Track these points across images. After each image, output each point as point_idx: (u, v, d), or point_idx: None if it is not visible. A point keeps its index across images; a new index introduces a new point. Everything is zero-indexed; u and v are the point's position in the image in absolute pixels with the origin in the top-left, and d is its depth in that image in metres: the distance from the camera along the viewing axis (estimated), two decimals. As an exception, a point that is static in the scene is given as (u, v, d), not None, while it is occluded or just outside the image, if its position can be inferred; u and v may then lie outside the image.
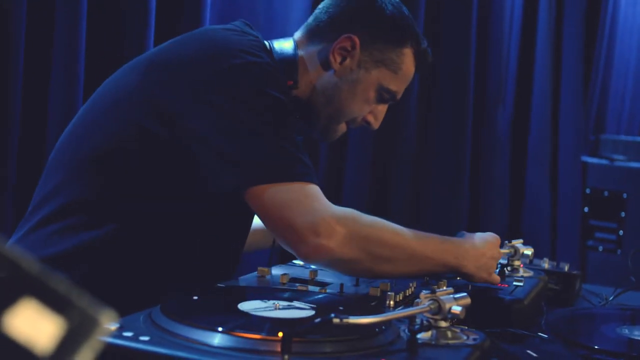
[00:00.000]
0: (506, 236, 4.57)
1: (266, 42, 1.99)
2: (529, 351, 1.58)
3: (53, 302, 0.62)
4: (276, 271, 1.92)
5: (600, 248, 4.93)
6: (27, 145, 2.41)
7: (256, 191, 1.73)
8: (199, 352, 1.25)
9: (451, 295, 1.45)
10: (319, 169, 3.53)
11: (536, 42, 4.87)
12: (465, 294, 1.47)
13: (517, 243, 2.17)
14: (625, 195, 4.83)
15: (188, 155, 1.78)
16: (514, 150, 4.88)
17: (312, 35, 2.06)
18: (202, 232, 1.92)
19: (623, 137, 5.47)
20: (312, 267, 2.01)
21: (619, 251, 4.82)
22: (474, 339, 1.44)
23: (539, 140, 4.94)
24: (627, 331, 1.86)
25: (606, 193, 4.94)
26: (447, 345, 1.40)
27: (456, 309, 1.42)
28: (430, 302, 1.43)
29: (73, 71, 2.40)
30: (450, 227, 4.22)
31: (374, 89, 2.03)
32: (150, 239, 1.86)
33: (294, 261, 2.08)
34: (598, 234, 4.98)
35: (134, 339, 1.29)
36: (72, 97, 2.40)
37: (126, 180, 1.83)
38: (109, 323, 0.63)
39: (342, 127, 2.10)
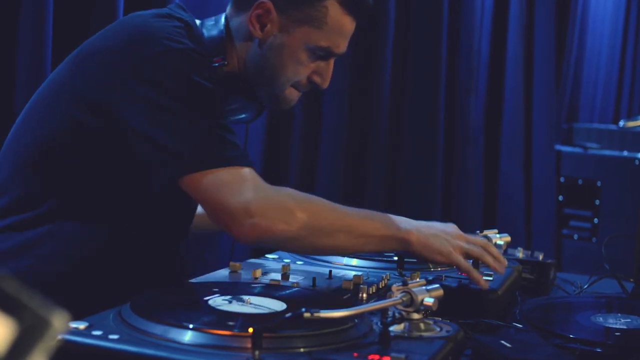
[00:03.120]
0: (480, 226, 4.60)
1: (198, 22, 1.97)
2: (502, 341, 1.57)
3: (3, 303, 0.60)
4: (248, 266, 1.90)
5: (576, 236, 4.95)
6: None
7: (191, 179, 1.73)
8: (168, 350, 1.24)
9: (423, 287, 1.44)
10: (291, 163, 3.51)
11: (508, 30, 4.87)
12: (437, 285, 1.46)
13: (490, 233, 2.15)
14: (599, 183, 4.84)
15: (124, 146, 1.78)
16: (487, 139, 4.88)
17: (236, 7, 2.02)
18: (145, 217, 1.91)
19: (596, 125, 5.49)
20: (285, 261, 2.00)
21: (594, 239, 4.84)
22: (447, 331, 1.43)
23: (512, 129, 4.95)
24: (601, 319, 1.86)
25: (580, 181, 4.96)
26: (420, 338, 1.39)
27: (428, 300, 1.41)
28: (403, 294, 1.42)
29: (39, 67, 2.36)
30: (424, 216, 4.21)
31: (302, 50, 1.97)
32: (96, 230, 1.84)
33: (267, 255, 2.07)
34: (573, 223, 5.00)
35: (103, 337, 1.27)
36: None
37: (65, 175, 1.82)
38: (61, 324, 0.61)
39: (292, 92, 2.04)
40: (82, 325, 1.30)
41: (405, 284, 1.43)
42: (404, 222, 1.89)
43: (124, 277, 1.90)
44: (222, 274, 1.84)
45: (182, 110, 1.75)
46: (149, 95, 1.74)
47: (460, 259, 1.87)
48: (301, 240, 1.79)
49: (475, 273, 1.84)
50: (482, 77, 4.80)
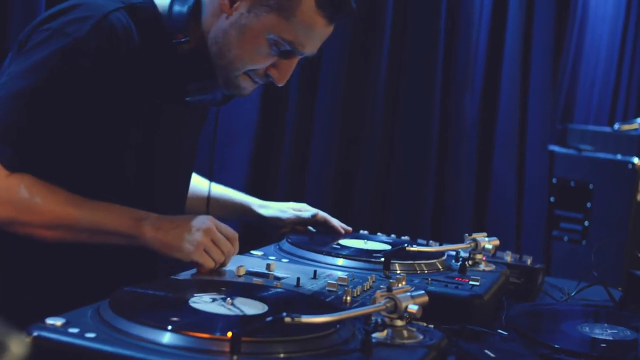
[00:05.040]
0: (471, 223, 4.58)
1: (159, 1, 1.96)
2: (486, 351, 1.56)
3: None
4: (233, 263, 1.88)
5: (566, 238, 4.94)
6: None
7: None
8: (145, 351, 1.22)
9: (408, 293, 1.41)
10: (283, 159, 3.49)
11: (506, 28, 4.84)
12: (422, 291, 1.44)
13: (479, 236, 2.13)
14: (591, 186, 4.83)
15: (81, 126, 1.83)
16: (481, 137, 4.85)
17: None
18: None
19: (591, 127, 5.48)
20: (270, 258, 1.97)
21: (584, 242, 4.83)
22: (431, 339, 1.41)
23: (506, 128, 4.92)
24: (587, 329, 1.84)
25: (572, 183, 4.94)
26: (403, 345, 1.37)
27: (413, 307, 1.39)
28: (386, 300, 1.40)
29: None
30: (416, 214, 4.20)
31: (264, 37, 1.89)
32: None
33: (252, 252, 2.05)
34: (563, 224, 4.99)
35: (80, 335, 1.25)
36: None
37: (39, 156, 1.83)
38: (19, 349, 0.59)
39: (246, 80, 1.97)
40: (58, 322, 1.28)
41: (389, 289, 1.41)
42: (145, 219, 1.81)
43: (107, 269, 1.88)
44: (207, 269, 1.82)
45: (19, 86, 1.77)
46: (20, 59, 1.80)
47: (201, 258, 1.77)
48: (16, 229, 1.78)
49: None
50: (479, 74, 4.78)
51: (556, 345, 1.69)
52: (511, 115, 4.93)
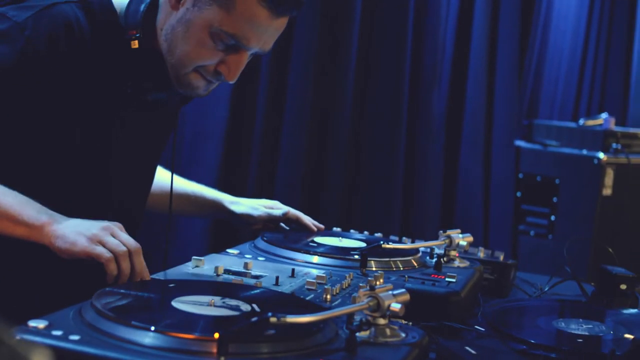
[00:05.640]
0: (439, 219, 4.60)
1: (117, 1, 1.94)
2: (467, 348, 1.56)
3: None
4: (210, 261, 1.87)
5: (532, 233, 4.98)
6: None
7: None
8: (130, 353, 1.21)
9: (390, 292, 1.42)
10: (253, 157, 3.49)
11: (472, 27, 4.87)
12: (404, 290, 1.45)
13: (453, 233, 2.15)
14: (557, 181, 4.87)
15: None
16: (448, 133, 4.88)
17: None
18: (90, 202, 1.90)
19: (556, 123, 5.51)
20: (247, 257, 1.97)
21: (550, 236, 4.87)
22: (413, 337, 1.42)
23: (473, 124, 4.95)
24: (563, 324, 1.86)
25: (539, 178, 4.98)
26: (386, 344, 1.38)
27: (395, 306, 1.40)
28: (369, 299, 1.40)
29: None
30: (384, 211, 4.21)
31: (207, 31, 1.85)
32: None
33: (228, 250, 2.04)
34: (530, 219, 5.03)
35: (64, 338, 1.24)
36: None
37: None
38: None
39: (197, 78, 1.93)
40: (41, 324, 1.27)
41: (372, 288, 1.42)
42: (49, 214, 1.73)
43: (83, 269, 1.86)
44: (185, 270, 1.81)
45: None
46: None
47: (94, 249, 1.65)
48: None
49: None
50: (446, 71, 4.80)
51: (532, 341, 1.71)
52: (478, 112, 4.96)
